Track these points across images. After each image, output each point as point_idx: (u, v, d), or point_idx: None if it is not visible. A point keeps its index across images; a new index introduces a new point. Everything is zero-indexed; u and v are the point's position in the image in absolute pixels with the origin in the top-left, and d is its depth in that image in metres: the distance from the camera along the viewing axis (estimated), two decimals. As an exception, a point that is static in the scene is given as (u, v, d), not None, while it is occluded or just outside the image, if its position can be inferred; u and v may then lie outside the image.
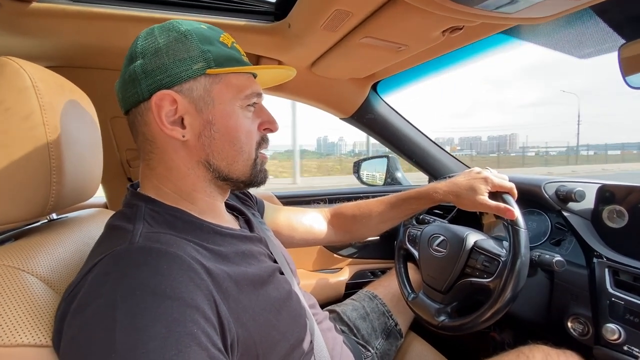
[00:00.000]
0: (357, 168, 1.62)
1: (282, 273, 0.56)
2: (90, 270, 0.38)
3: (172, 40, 0.46)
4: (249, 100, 0.51)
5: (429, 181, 1.39)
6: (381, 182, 1.52)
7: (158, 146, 0.48)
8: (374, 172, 1.58)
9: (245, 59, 0.52)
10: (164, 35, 0.47)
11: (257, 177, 0.54)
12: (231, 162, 0.50)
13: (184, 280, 0.37)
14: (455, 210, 1.10)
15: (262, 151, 0.55)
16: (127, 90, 0.47)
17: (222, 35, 0.50)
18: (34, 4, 0.66)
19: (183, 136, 0.47)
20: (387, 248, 1.33)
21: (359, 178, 1.61)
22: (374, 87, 1.20)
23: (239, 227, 0.59)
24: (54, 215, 0.63)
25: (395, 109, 1.26)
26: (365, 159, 1.63)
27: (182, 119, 0.47)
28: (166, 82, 0.46)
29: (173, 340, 0.32)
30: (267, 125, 0.55)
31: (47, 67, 0.52)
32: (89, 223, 0.62)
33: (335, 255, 1.31)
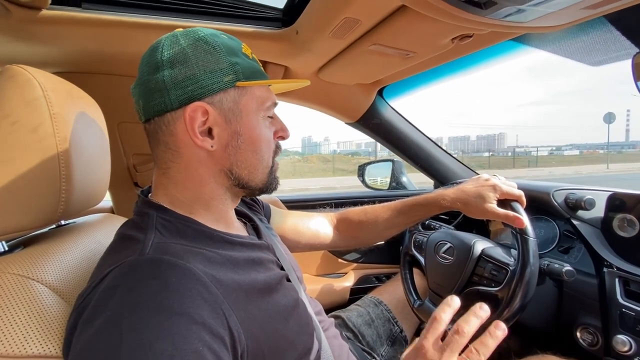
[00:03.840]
0: (361, 172, 1.62)
1: (289, 280, 0.56)
2: (100, 281, 0.37)
3: (201, 50, 0.46)
4: (269, 111, 0.53)
5: (435, 186, 1.39)
6: (386, 187, 1.52)
7: (181, 155, 0.48)
8: (379, 177, 1.58)
9: (262, 69, 0.54)
10: (192, 45, 0.47)
11: (272, 184, 0.55)
12: (252, 171, 0.52)
13: (192, 295, 0.36)
14: (461, 216, 1.09)
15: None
16: (151, 99, 0.47)
17: (242, 46, 0.51)
18: (44, 11, 0.66)
19: (212, 146, 0.48)
20: (392, 253, 1.33)
21: (364, 182, 1.60)
22: (380, 92, 1.20)
23: (247, 234, 0.59)
24: (62, 221, 0.63)
25: (401, 113, 1.25)
26: (370, 163, 1.63)
27: (210, 130, 0.48)
28: (197, 93, 0.46)
29: (179, 358, 0.32)
30: (281, 133, 0.56)
31: (55, 73, 0.52)
32: (97, 229, 0.62)
33: (339, 260, 1.31)
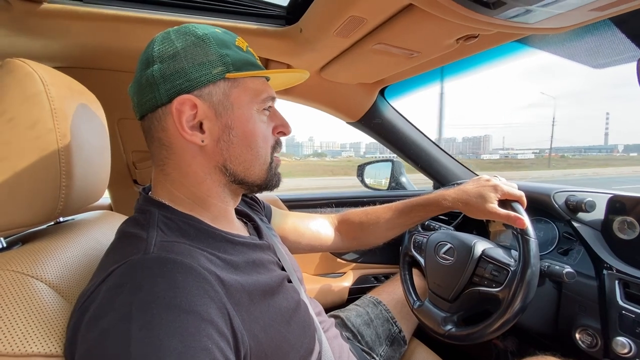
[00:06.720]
0: (360, 172, 1.62)
1: (289, 281, 0.56)
2: (104, 280, 0.37)
3: (190, 44, 0.46)
4: (264, 104, 0.51)
5: (434, 187, 1.39)
6: (385, 187, 1.52)
7: (175, 152, 0.48)
8: (378, 177, 1.58)
9: (259, 62, 0.53)
10: (182, 39, 0.46)
11: (272, 180, 0.54)
12: (248, 167, 0.50)
13: (199, 293, 0.36)
14: (461, 216, 1.09)
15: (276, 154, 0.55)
16: (143, 95, 0.47)
17: (237, 39, 0.50)
18: (45, 5, 0.65)
19: (202, 141, 0.47)
20: (391, 253, 1.33)
21: (363, 182, 1.60)
22: (382, 92, 1.20)
23: (249, 234, 0.59)
24: (60, 218, 0.62)
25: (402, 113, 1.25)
26: (369, 163, 1.62)
27: (201, 124, 0.47)
28: (186, 86, 0.45)
29: (189, 356, 0.32)
30: (281, 128, 0.55)
31: (55, 67, 0.51)
32: (96, 226, 0.62)
33: (338, 259, 1.31)
